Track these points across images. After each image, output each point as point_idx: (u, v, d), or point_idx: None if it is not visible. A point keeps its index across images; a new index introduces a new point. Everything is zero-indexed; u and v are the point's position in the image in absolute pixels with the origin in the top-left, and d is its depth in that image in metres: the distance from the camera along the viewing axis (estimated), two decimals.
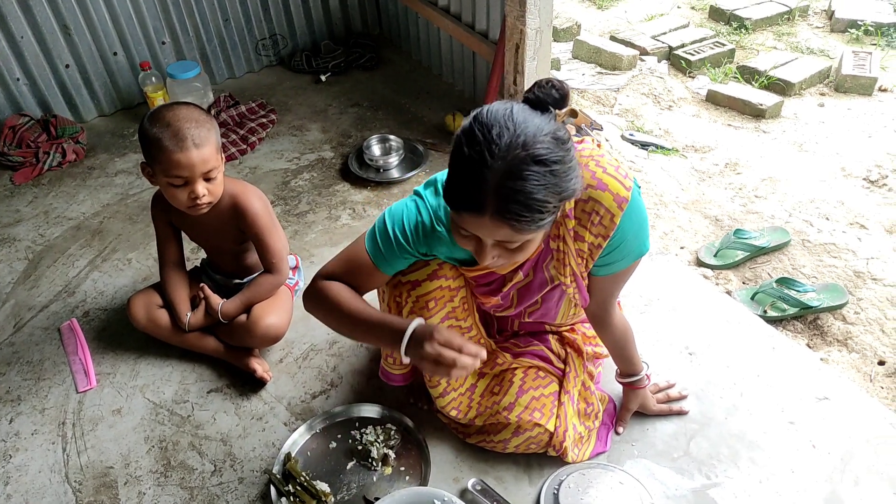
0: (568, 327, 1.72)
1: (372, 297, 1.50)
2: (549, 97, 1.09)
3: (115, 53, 2.91)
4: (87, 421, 1.76)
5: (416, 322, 1.22)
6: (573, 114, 1.19)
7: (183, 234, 1.88)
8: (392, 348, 1.24)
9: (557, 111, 1.11)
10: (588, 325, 1.73)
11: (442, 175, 1.33)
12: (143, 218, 2.44)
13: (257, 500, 1.55)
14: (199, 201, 1.62)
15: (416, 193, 1.34)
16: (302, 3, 3.26)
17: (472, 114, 1.07)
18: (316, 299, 1.38)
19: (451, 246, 1.33)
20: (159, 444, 1.69)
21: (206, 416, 1.75)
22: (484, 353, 1.18)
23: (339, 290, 1.35)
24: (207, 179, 1.62)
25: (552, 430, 1.52)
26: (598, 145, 1.33)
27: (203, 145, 1.57)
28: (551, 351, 1.65)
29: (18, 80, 2.76)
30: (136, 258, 2.26)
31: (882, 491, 1.49)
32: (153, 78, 2.82)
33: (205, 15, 3.03)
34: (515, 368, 1.60)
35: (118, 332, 1.99)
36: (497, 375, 1.61)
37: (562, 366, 1.64)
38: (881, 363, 1.94)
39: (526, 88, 1.12)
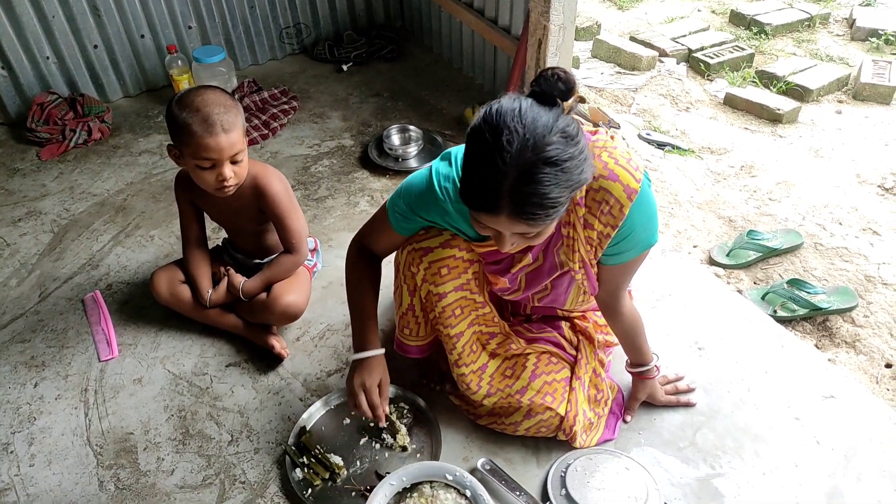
0: (580, 314, 1.75)
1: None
2: (555, 89, 1.10)
3: (142, 36, 2.96)
4: (108, 388, 1.81)
5: (374, 353, 1.51)
6: (581, 100, 1.21)
7: (205, 214, 1.93)
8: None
9: (564, 103, 1.13)
10: (599, 313, 1.76)
11: (457, 149, 1.38)
12: (166, 197, 2.49)
13: (272, 470, 1.60)
14: (226, 183, 1.66)
15: (434, 164, 1.39)
16: None
17: (481, 112, 1.10)
18: (348, 263, 1.58)
19: (455, 217, 1.38)
20: (178, 413, 1.74)
21: (225, 389, 1.80)
22: (382, 422, 1.53)
23: (355, 272, 1.56)
24: (234, 162, 1.66)
25: (563, 414, 1.56)
26: (612, 137, 1.36)
27: (231, 130, 1.61)
28: (564, 338, 1.69)
29: (48, 58, 2.82)
30: (158, 235, 2.32)
31: (884, 487, 1.52)
32: (179, 61, 2.88)
33: (231, 1, 3.07)
34: (529, 353, 1.63)
35: (140, 306, 2.04)
36: (510, 359, 1.64)
37: (574, 352, 1.68)
38: (888, 366, 1.96)
39: (532, 80, 1.14)
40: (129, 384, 1.82)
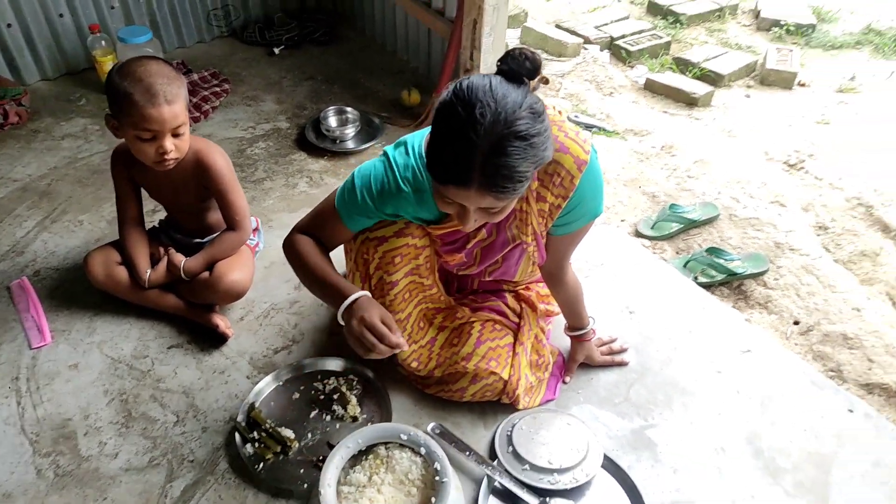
0: (524, 286, 1.83)
1: (339, 257, 1.58)
2: (522, 69, 1.14)
3: (60, 15, 2.83)
4: (42, 376, 1.75)
5: (359, 294, 1.34)
6: (545, 81, 1.27)
7: (143, 193, 1.89)
8: (334, 310, 1.36)
9: (531, 81, 1.19)
10: (542, 285, 1.85)
11: (412, 137, 1.41)
12: (93, 181, 2.40)
13: (221, 448, 1.60)
14: (166, 156, 1.64)
15: (385, 154, 1.41)
16: None
17: (451, 88, 1.13)
18: (288, 250, 1.49)
19: (416, 206, 1.41)
20: (119, 396, 1.71)
21: (167, 371, 1.77)
22: (405, 347, 1.32)
23: (307, 246, 1.46)
24: (175, 135, 1.64)
25: (506, 378, 1.63)
26: (560, 112, 1.43)
27: (174, 102, 1.59)
28: (507, 306, 1.76)
29: None
30: (87, 220, 2.24)
31: (795, 429, 1.67)
32: (103, 42, 2.77)
33: None
34: (473, 322, 1.70)
35: (72, 291, 1.98)
36: (456, 329, 1.70)
37: (517, 320, 1.75)
38: (796, 323, 2.15)
39: (499, 59, 1.18)
40: (65, 370, 1.77)
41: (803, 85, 3.71)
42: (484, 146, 1.08)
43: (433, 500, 1.31)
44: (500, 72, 1.16)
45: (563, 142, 1.34)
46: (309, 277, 1.45)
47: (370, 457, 1.41)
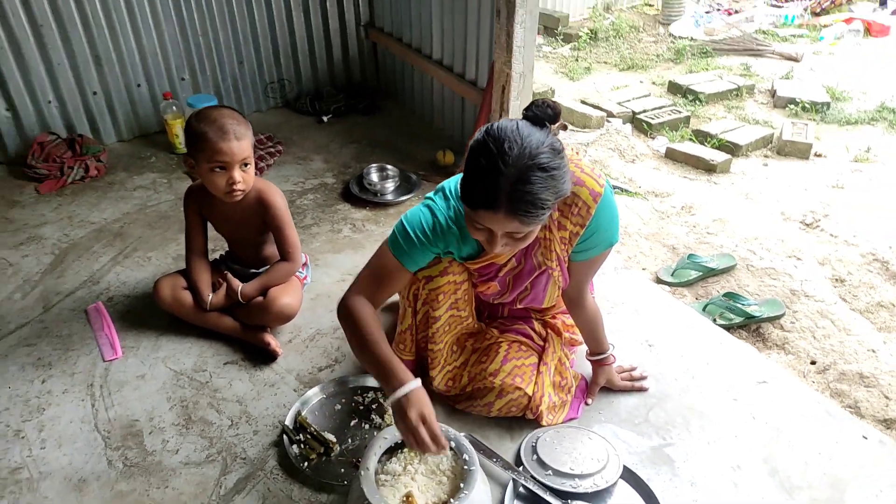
0: (551, 315, 1.99)
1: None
2: (544, 115, 1.36)
3: (138, 85, 3.22)
4: (113, 384, 1.94)
5: (414, 386, 1.41)
6: (564, 127, 1.50)
7: (209, 226, 2.14)
8: (383, 388, 1.46)
9: (552, 126, 1.41)
10: (567, 315, 2.00)
11: (448, 183, 1.63)
12: (161, 224, 2.68)
13: (271, 448, 1.75)
14: (235, 187, 1.89)
15: (429, 199, 1.61)
16: (309, 53, 3.66)
17: (483, 129, 1.35)
18: (344, 313, 1.58)
19: (460, 242, 1.61)
20: (180, 403, 1.88)
21: (223, 383, 1.95)
22: (448, 453, 1.42)
23: (364, 314, 1.54)
24: (243, 169, 1.90)
25: (531, 394, 1.76)
26: (577, 152, 1.65)
27: (242, 139, 1.86)
28: (533, 331, 1.92)
29: (50, 102, 3.04)
30: (155, 257, 2.49)
31: (810, 453, 1.75)
32: (174, 107, 3.13)
33: (222, 56, 3.38)
34: (501, 342, 1.85)
35: (141, 315, 2.20)
36: (485, 348, 1.86)
37: (542, 343, 1.90)
38: (813, 363, 2.24)
39: (524, 107, 1.39)
40: (133, 380, 1.96)
41: (819, 155, 3.90)
42: (511, 175, 1.28)
43: (462, 485, 1.43)
44: (525, 117, 1.37)
45: (580, 176, 1.55)
46: (363, 348, 1.51)
47: (405, 450, 1.54)
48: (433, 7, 3.11)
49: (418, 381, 1.44)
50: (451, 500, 1.42)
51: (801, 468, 1.70)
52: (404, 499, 1.43)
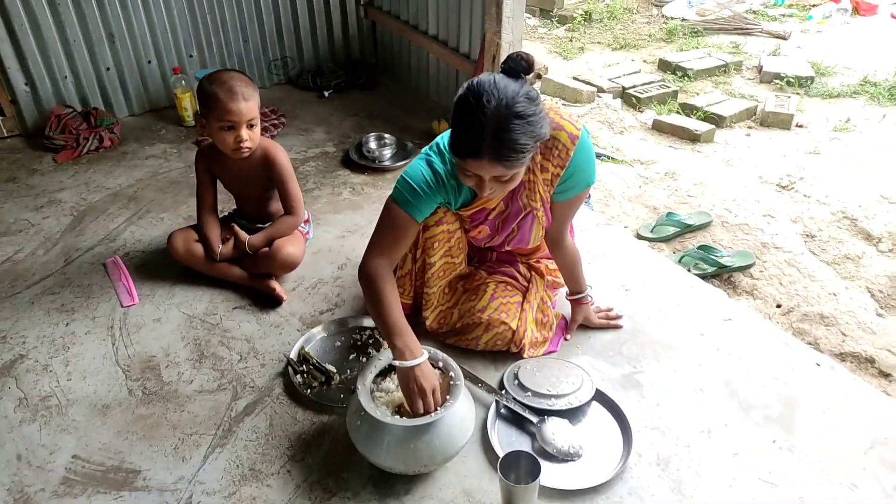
0: (535, 259, 2.16)
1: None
2: (519, 66, 1.51)
3: (149, 62, 3.39)
4: (131, 326, 2.12)
5: (422, 359, 1.56)
6: (539, 76, 1.67)
7: (218, 185, 2.31)
8: (392, 351, 1.60)
9: (527, 76, 1.57)
10: (550, 261, 2.17)
11: (441, 139, 1.79)
12: (172, 189, 2.86)
13: (276, 378, 1.93)
14: (242, 144, 2.06)
15: (426, 154, 1.76)
16: (310, 32, 3.82)
17: (465, 85, 1.51)
18: (364, 276, 1.71)
19: (456, 193, 1.77)
20: (194, 342, 2.06)
21: (233, 325, 2.13)
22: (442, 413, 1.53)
23: (384, 277, 1.68)
24: (250, 128, 2.07)
25: (514, 328, 1.93)
26: (555, 101, 1.82)
27: (250, 99, 2.03)
28: (519, 273, 2.09)
29: (66, 77, 3.22)
30: (167, 217, 2.67)
31: (767, 377, 1.92)
32: (183, 81, 3.30)
33: (228, 34, 3.55)
34: (489, 282, 2.02)
35: (155, 267, 2.38)
36: (474, 288, 2.03)
37: (526, 284, 2.08)
38: (778, 306, 2.41)
39: (501, 61, 1.56)
40: (150, 322, 2.14)
41: (801, 126, 4.05)
42: (491, 125, 1.44)
43: (448, 398, 1.61)
44: (502, 70, 1.53)
45: (559, 122, 1.71)
46: (378, 311, 1.65)
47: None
48: None
49: (426, 355, 1.59)
50: (438, 408, 1.59)
51: (758, 390, 1.87)
52: (396, 408, 1.61)
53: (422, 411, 1.55)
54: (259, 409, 1.83)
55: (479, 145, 1.45)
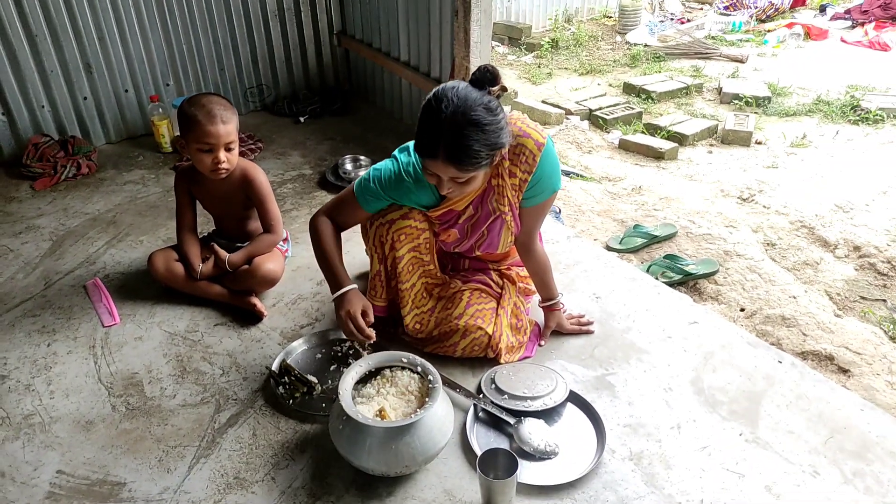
0: (506, 266, 2.24)
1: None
2: (484, 77, 1.63)
3: (126, 91, 3.45)
4: (113, 345, 2.15)
5: (347, 288, 1.83)
6: (503, 89, 1.76)
7: (198, 205, 2.36)
8: (330, 290, 1.87)
9: (491, 88, 1.68)
10: (521, 269, 2.25)
11: (410, 143, 1.89)
12: (151, 213, 2.90)
13: (259, 390, 1.96)
14: (220, 166, 2.13)
15: (393, 155, 1.89)
16: (285, 60, 3.92)
17: (433, 91, 1.63)
18: (312, 228, 1.94)
19: (416, 192, 1.87)
20: (176, 358, 2.09)
21: (214, 340, 2.17)
22: (373, 339, 1.83)
23: (326, 231, 1.92)
24: (228, 150, 2.14)
25: (490, 333, 2.00)
26: (523, 114, 1.92)
27: (228, 123, 2.10)
28: (492, 280, 2.16)
29: (43, 107, 3.26)
30: (146, 240, 2.71)
31: (732, 375, 2.01)
32: (160, 109, 3.36)
33: (204, 63, 3.63)
34: (464, 290, 2.09)
35: (136, 288, 2.41)
36: (450, 297, 2.10)
37: (499, 290, 2.15)
38: (742, 310, 2.52)
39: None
40: (131, 341, 2.17)
41: (760, 143, 4.24)
42: (447, 127, 1.55)
43: (427, 400, 1.67)
44: (470, 81, 1.65)
45: (525, 130, 1.81)
46: (320, 257, 1.91)
47: (378, 377, 1.77)
48: (399, 14, 3.40)
49: (354, 286, 1.85)
50: (418, 410, 1.65)
51: (723, 387, 1.96)
52: (377, 413, 1.67)
53: (352, 328, 1.78)
54: (242, 420, 1.86)
55: (436, 147, 1.57)
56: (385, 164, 1.88)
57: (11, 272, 2.51)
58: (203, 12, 3.54)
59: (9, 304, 2.33)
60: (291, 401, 1.90)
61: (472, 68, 2.83)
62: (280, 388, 1.94)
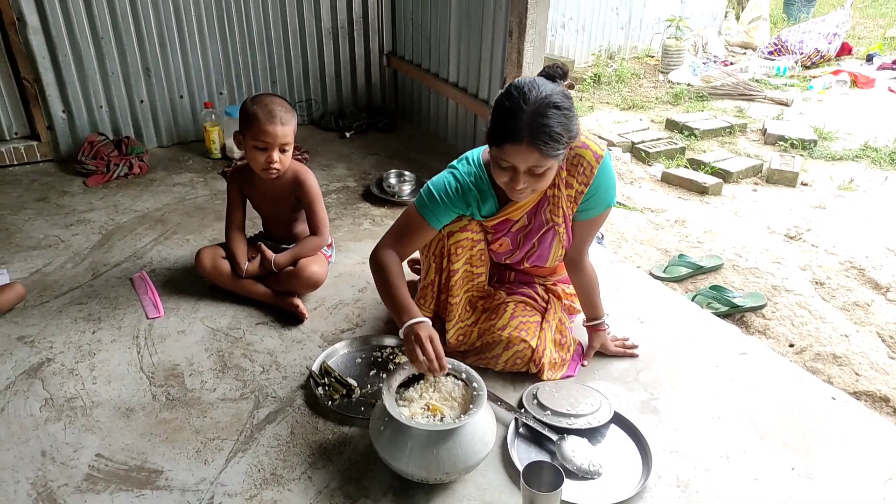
0: (552, 283, 2.21)
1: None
2: (555, 72, 1.67)
3: (181, 96, 3.54)
4: (156, 337, 2.16)
5: (422, 318, 1.67)
6: (571, 86, 1.80)
7: (248, 204, 2.39)
8: (398, 324, 1.70)
9: (562, 81, 1.69)
10: (567, 285, 2.22)
11: (470, 153, 1.90)
12: (198, 213, 2.94)
13: (298, 390, 1.95)
14: (272, 165, 2.15)
15: (452, 166, 1.88)
16: (335, 77, 4.00)
17: (507, 85, 1.65)
18: (374, 262, 1.85)
19: (479, 201, 1.86)
20: (217, 353, 2.09)
21: (256, 339, 2.17)
22: (445, 371, 1.64)
23: (391, 262, 1.82)
24: (282, 151, 2.17)
25: (534, 346, 1.97)
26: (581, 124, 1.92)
27: (287, 124, 2.13)
28: (537, 294, 2.13)
29: (101, 107, 3.36)
30: (193, 239, 2.74)
31: (783, 408, 1.94)
32: (213, 115, 3.44)
33: (258, 75, 3.72)
34: (508, 302, 2.06)
35: (181, 283, 2.43)
36: (494, 308, 2.07)
37: (545, 305, 2.12)
38: (791, 346, 2.44)
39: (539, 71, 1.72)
40: (174, 334, 2.18)
41: (805, 184, 4.17)
42: (531, 110, 1.56)
43: (471, 406, 1.63)
44: (539, 75, 1.68)
45: (585, 141, 1.81)
46: (386, 292, 1.78)
47: (421, 381, 1.74)
48: (451, 35, 3.45)
49: (427, 319, 1.68)
50: (463, 415, 1.62)
51: (775, 420, 1.89)
52: (425, 407, 1.64)
53: (421, 358, 1.60)
54: (281, 417, 1.85)
55: (519, 129, 1.56)
56: (444, 177, 1.85)
57: (61, 262, 2.56)
58: (261, 26, 3.64)
59: (57, 292, 2.37)
60: (330, 402, 1.88)
61: None
62: (319, 388, 1.93)
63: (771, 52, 7.09)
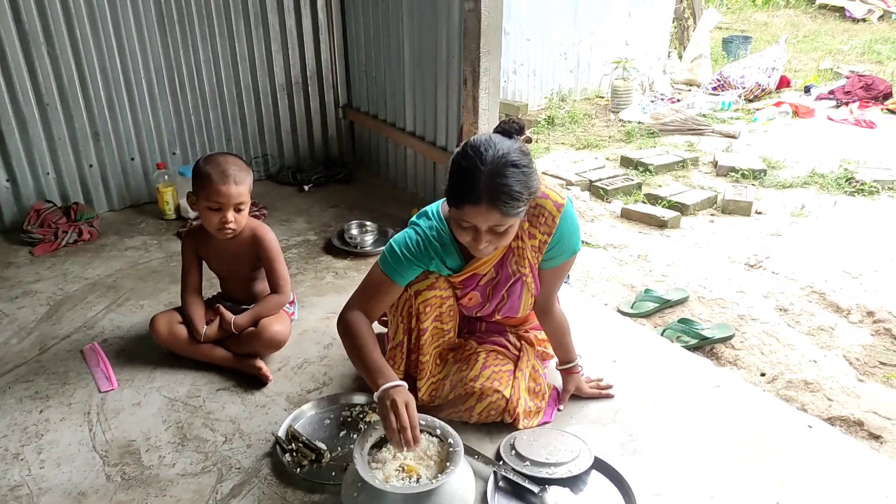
0: (524, 330, 2.17)
1: None
2: (511, 128, 1.66)
3: (132, 159, 3.46)
4: (110, 411, 2.03)
5: (397, 383, 1.61)
6: (528, 140, 1.77)
7: (204, 266, 2.31)
8: (372, 388, 1.64)
9: (519, 137, 1.68)
10: (538, 331, 2.18)
11: (430, 208, 1.87)
12: (152, 278, 2.83)
13: (264, 458, 1.85)
14: (227, 225, 2.09)
15: (413, 222, 1.86)
16: (291, 132, 3.98)
17: (463, 144, 1.63)
18: (342, 325, 1.80)
19: (443, 256, 1.83)
20: (176, 424, 1.98)
21: (217, 406, 2.06)
22: (416, 447, 1.56)
23: (360, 324, 1.77)
24: (237, 210, 2.11)
25: (508, 396, 1.92)
26: (541, 173, 1.92)
27: (241, 184, 2.08)
28: (509, 342, 2.09)
29: (48, 174, 3.25)
30: (147, 304, 2.63)
31: (764, 441, 1.91)
32: (165, 176, 3.36)
33: (212, 133, 3.67)
34: (479, 352, 2.01)
35: (135, 352, 2.31)
36: (465, 358, 2.02)
37: (517, 352, 2.07)
38: (762, 374, 2.44)
39: (495, 126, 1.70)
40: (129, 407, 2.05)
41: (760, 213, 4.27)
42: (487, 170, 1.54)
43: (448, 464, 1.56)
44: (495, 131, 1.66)
45: (545, 191, 1.80)
46: (357, 354, 1.73)
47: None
48: (406, 86, 3.48)
49: (402, 382, 1.62)
50: (439, 474, 1.54)
51: (755, 453, 1.86)
52: (399, 468, 1.56)
53: (395, 426, 1.53)
54: (246, 490, 1.74)
55: (478, 191, 1.53)
56: (407, 234, 1.82)
57: (5, 337, 2.41)
58: (213, 84, 3.61)
59: (1, 370, 2.22)
60: (299, 469, 1.79)
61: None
62: (287, 455, 1.83)
63: (715, 88, 7.36)
